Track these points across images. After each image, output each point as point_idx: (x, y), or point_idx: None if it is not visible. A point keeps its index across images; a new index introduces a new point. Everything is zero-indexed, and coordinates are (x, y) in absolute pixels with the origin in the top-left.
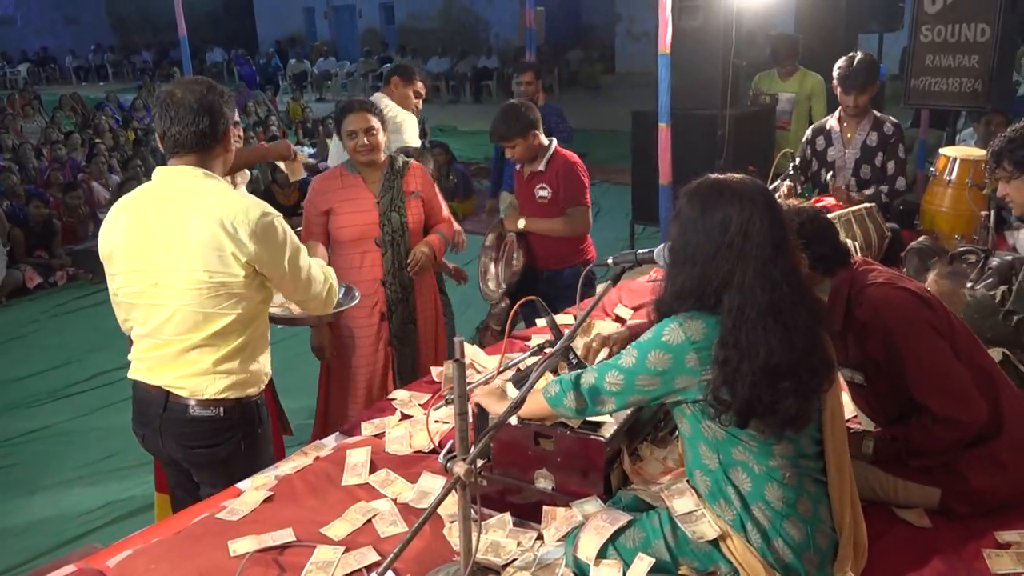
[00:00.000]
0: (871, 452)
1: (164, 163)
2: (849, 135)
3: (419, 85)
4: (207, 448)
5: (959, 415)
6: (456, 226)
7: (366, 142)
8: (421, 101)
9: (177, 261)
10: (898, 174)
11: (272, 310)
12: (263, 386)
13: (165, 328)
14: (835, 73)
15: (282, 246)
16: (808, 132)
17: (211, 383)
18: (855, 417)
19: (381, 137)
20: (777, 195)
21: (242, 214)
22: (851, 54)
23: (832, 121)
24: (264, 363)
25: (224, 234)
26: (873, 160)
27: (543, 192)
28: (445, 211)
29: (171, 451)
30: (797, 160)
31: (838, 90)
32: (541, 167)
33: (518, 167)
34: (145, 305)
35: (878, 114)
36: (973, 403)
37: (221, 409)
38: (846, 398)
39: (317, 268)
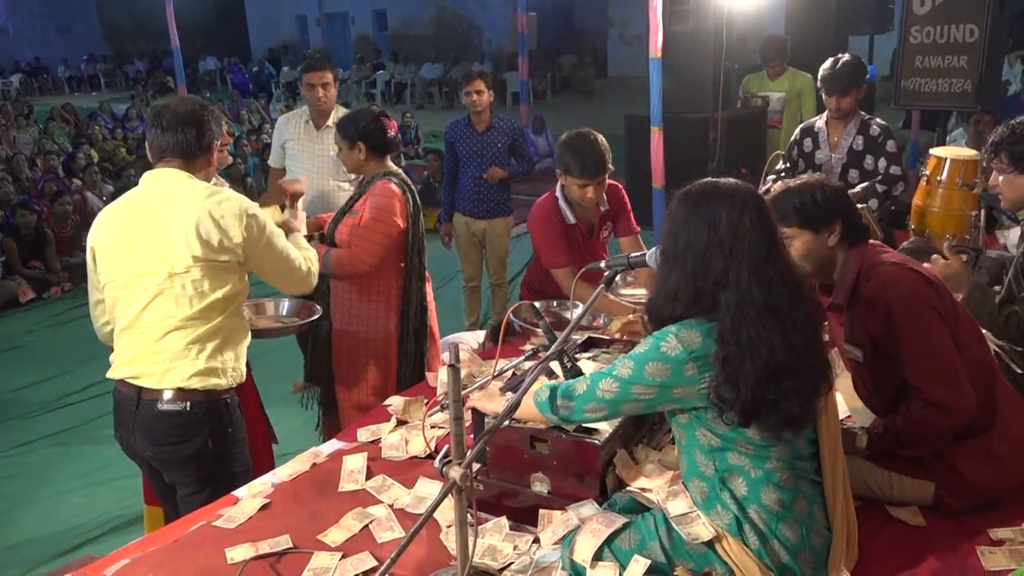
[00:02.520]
0: (864, 447)
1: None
2: (835, 139)
3: (317, 75)
4: (174, 444)
5: (947, 401)
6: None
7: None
8: (332, 91)
9: (164, 249)
10: (891, 164)
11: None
12: (233, 383)
13: (145, 315)
14: (819, 74)
15: (262, 233)
16: (796, 132)
17: (181, 368)
18: (850, 416)
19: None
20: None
21: (228, 205)
22: (837, 56)
23: (820, 122)
24: (235, 359)
25: (212, 224)
26: (861, 164)
27: (606, 232)
28: (363, 241)
29: (143, 450)
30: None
31: (823, 92)
32: (607, 204)
33: (569, 217)
34: (128, 296)
35: (865, 116)
36: (963, 392)
37: (188, 403)
38: (840, 398)
39: (295, 251)
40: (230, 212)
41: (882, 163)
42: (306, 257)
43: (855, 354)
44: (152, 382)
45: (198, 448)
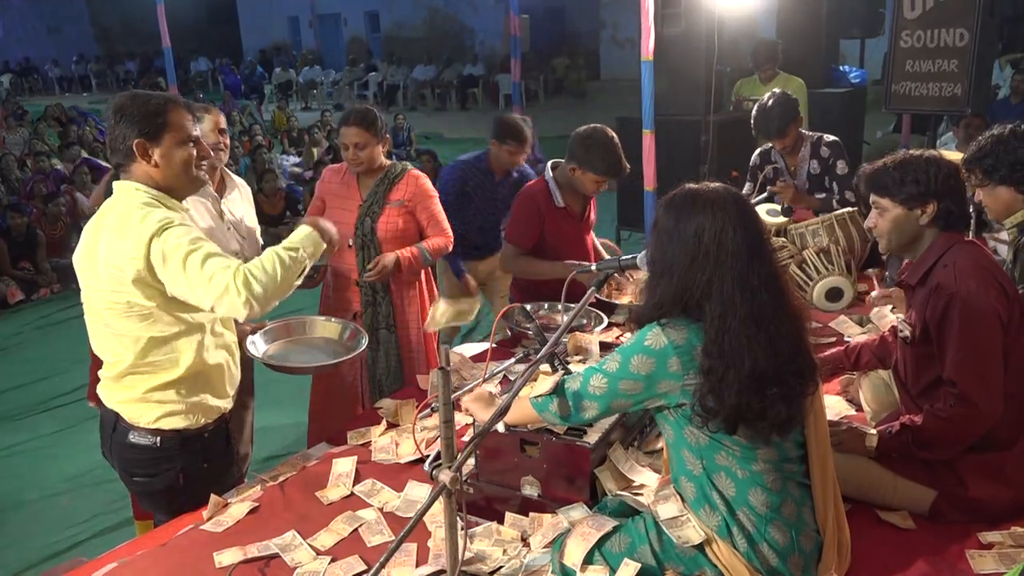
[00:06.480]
0: (874, 446)
1: None
2: (792, 167)
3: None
4: (144, 478)
5: (976, 399)
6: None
7: (354, 156)
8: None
9: (92, 278)
10: (843, 188)
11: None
12: (212, 418)
13: (100, 349)
14: (752, 120)
15: (173, 252)
16: (754, 156)
17: (145, 411)
18: (855, 414)
19: (376, 150)
20: (752, 195)
21: (136, 234)
22: (762, 100)
23: (775, 151)
24: (213, 397)
25: (123, 253)
26: (823, 184)
27: (593, 213)
28: (445, 225)
29: (119, 475)
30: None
31: (760, 136)
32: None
33: (559, 200)
34: (88, 322)
35: (814, 137)
36: (993, 397)
37: (158, 439)
38: (832, 401)
39: (218, 265)
40: (134, 243)
41: (835, 186)
42: (240, 270)
43: (904, 332)
44: (124, 414)
45: (168, 484)
